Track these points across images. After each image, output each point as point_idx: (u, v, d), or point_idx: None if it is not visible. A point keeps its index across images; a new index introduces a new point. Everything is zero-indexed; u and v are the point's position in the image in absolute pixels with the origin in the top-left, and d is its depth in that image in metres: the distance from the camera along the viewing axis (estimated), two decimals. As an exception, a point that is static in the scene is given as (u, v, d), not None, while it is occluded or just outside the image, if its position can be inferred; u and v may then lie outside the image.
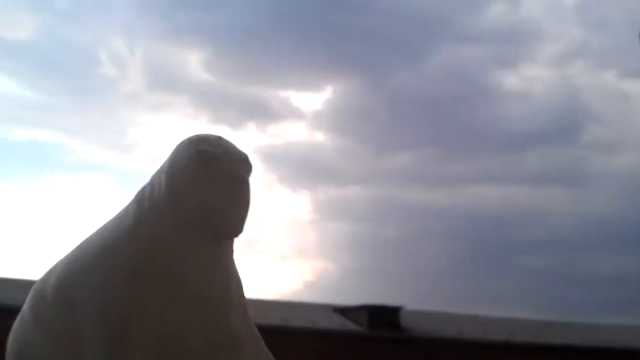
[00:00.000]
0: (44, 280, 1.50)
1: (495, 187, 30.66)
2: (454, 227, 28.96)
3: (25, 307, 1.50)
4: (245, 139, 29.24)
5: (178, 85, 29.44)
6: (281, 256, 29.41)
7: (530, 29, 30.91)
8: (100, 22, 28.42)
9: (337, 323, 14.42)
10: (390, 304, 14.89)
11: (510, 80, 31.96)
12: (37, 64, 28.24)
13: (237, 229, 1.47)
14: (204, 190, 1.43)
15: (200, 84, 28.75)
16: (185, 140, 1.52)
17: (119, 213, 1.51)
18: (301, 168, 30.50)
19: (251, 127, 31.85)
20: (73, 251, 1.51)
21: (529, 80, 31.41)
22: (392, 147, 31.21)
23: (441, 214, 28.98)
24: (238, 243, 1.62)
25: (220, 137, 1.53)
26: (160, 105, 28.95)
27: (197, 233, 1.44)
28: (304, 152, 29.65)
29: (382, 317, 14.40)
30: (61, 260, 1.50)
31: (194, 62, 29.89)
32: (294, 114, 30.37)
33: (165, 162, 1.50)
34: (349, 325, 14.43)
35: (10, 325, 1.50)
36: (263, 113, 30.10)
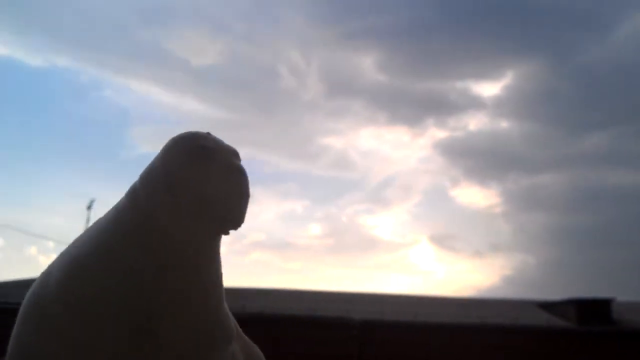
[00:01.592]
0: (47, 275, 1.48)
1: None
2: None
3: (26, 307, 1.47)
4: (424, 135, 28.87)
5: (354, 89, 29.98)
6: (476, 252, 28.61)
7: None
8: (276, 38, 29.81)
9: (543, 319, 13.67)
10: (600, 297, 13.86)
11: None
12: (223, 86, 30.23)
13: (239, 220, 1.49)
14: (206, 183, 1.45)
15: (375, 85, 29.05)
16: (177, 137, 1.53)
17: (110, 211, 1.53)
18: (487, 159, 29.54)
19: (429, 122, 31.53)
20: (74, 245, 1.50)
21: None
22: (584, 127, 29.16)
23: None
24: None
25: (209, 133, 1.57)
26: (339, 111, 29.62)
27: (198, 226, 1.46)
28: (488, 142, 28.68)
29: (592, 310, 13.43)
30: (62, 255, 1.50)
31: (367, 64, 30.27)
32: (474, 103, 29.55)
33: (155, 161, 1.51)
34: (556, 321, 13.62)
35: None
36: (441, 107, 29.65)
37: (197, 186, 1.45)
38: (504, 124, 30.11)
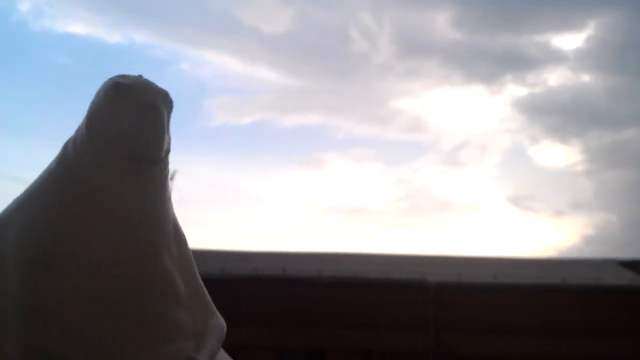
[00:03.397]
0: None
1: None
2: None
3: None
4: (502, 92, 28.22)
5: (427, 49, 29.33)
6: (556, 212, 27.91)
7: None
8: (346, 0, 29.44)
9: (626, 278, 13.27)
10: (687, 254, 13.30)
11: None
12: (294, 52, 30.25)
13: (151, 152, 1.50)
14: (117, 119, 1.48)
15: (449, 43, 28.28)
16: (108, 78, 1.55)
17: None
18: (568, 115, 28.44)
19: (507, 79, 30.57)
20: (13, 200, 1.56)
21: None
22: (675, 78, 27.59)
23: None
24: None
25: (141, 76, 1.58)
26: (412, 72, 29.18)
27: (116, 163, 1.48)
28: (569, 98, 27.58)
29: (679, 269, 12.92)
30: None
31: (440, 21, 29.49)
32: (554, 57, 28.34)
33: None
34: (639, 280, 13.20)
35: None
36: (519, 62, 28.61)
37: (108, 123, 1.49)
38: (587, 78, 28.87)
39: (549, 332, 12.27)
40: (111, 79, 1.53)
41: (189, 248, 1.61)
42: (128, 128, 1.48)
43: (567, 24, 30.45)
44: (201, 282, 1.60)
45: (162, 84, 1.54)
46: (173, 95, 1.54)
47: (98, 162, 1.49)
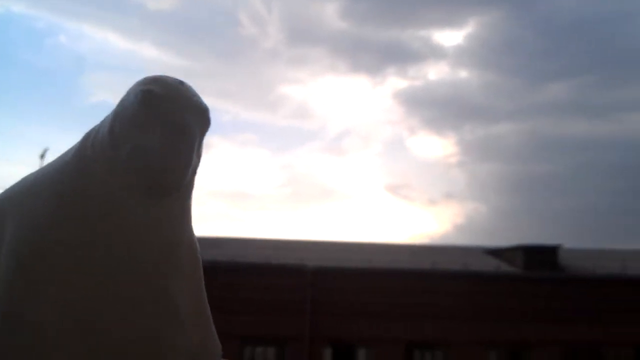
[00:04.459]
0: None
1: (660, 112, 28.06)
2: (616, 159, 27.12)
3: None
4: (384, 83, 28.92)
5: (315, 37, 29.57)
6: (430, 200, 29.15)
7: None
8: (237, -18, 29.02)
9: (491, 265, 14.09)
10: (546, 243, 14.32)
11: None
12: (181, 32, 29.51)
13: (166, 182, 1.31)
14: (141, 133, 1.29)
15: (336, 32, 28.69)
16: (142, 78, 1.40)
17: (67, 150, 1.43)
18: (445, 108, 29.70)
19: (391, 71, 31.41)
20: (14, 184, 1.44)
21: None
22: (544, 77, 29.45)
23: (602, 146, 27.21)
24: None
25: (181, 82, 1.39)
26: (299, 59, 29.29)
27: (132, 180, 1.31)
28: (447, 92, 28.80)
29: (539, 257, 13.90)
30: (3, 191, 1.45)
31: (329, 11, 29.82)
32: (435, 52, 29.47)
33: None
34: (503, 267, 14.06)
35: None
36: (402, 55, 29.51)
37: (134, 135, 1.30)
38: (464, 74, 30.25)
39: (419, 315, 12.85)
40: (145, 83, 1.34)
41: (200, 268, 1.47)
42: (150, 149, 1.28)
43: (449, 21, 31.73)
44: (206, 302, 1.47)
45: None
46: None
47: (113, 169, 1.32)
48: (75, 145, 1.42)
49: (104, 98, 28.13)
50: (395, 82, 29.81)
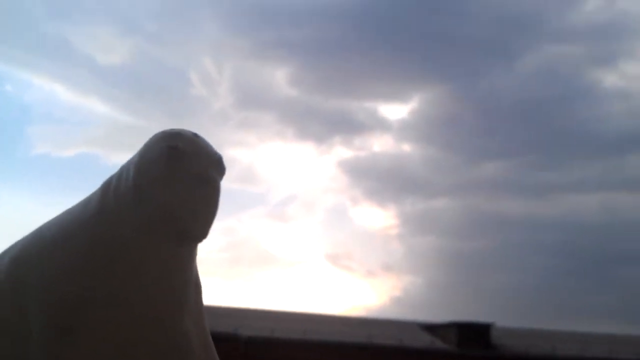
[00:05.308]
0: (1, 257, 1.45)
1: (593, 195, 29.17)
2: (550, 238, 27.87)
3: None
4: (330, 152, 29.37)
5: (264, 102, 29.90)
6: (368, 271, 29.21)
7: (629, 23, 29.47)
8: (190, 43, 29.28)
9: (425, 341, 14.10)
10: (480, 321, 14.46)
11: (608, 78, 30.45)
12: (130, 88, 29.42)
13: (201, 234, 1.40)
14: (170, 189, 1.35)
15: (286, 99, 29.10)
16: (160, 133, 1.44)
17: (83, 200, 1.45)
18: (388, 180, 30.20)
19: (337, 140, 31.87)
20: (32, 233, 1.45)
21: (629, 78, 29.81)
22: (482, 155, 30.40)
23: (536, 225, 27.94)
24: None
25: (196, 135, 1.46)
26: (248, 123, 29.52)
27: (160, 234, 1.37)
28: (390, 164, 29.33)
29: (472, 334, 13.99)
30: (19, 241, 1.45)
31: (280, 77, 30.32)
32: (381, 125, 30.14)
33: (136, 154, 1.42)
34: (438, 343, 14.09)
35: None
36: (349, 125, 30.05)
37: (162, 192, 1.35)
38: (407, 147, 30.95)
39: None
40: (167, 140, 1.39)
41: (202, 303, 1.56)
42: (180, 203, 1.35)
43: (395, 96, 32.67)
44: (209, 334, 1.56)
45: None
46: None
47: (140, 226, 1.36)
48: (94, 197, 1.42)
49: (46, 150, 27.58)
50: (340, 151, 30.32)
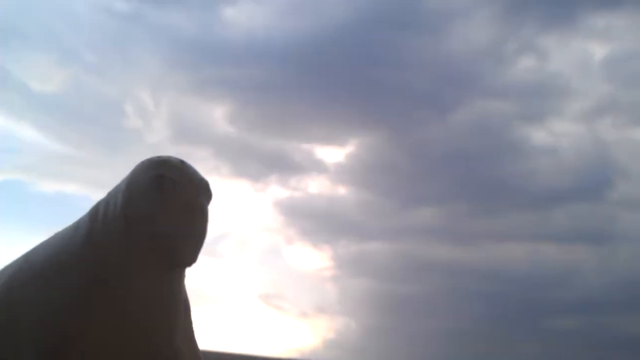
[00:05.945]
0: None
1: (522, 245, 29.78)
2: (479, 286, 28.26)
3: None
4: (266, 191, 29.32)
5: (201, 138, 29.67)
6: (302, 313, 28.94)
7: (558, 84, 30.71)
8: (127, 76, 28.97)
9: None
10: (412, 366, 14.39)
11: (538, 135, 31.38)
12: (64, 117, 28.80)
13: (190, 259, 1.43)
14: (160, 219, 1.35)
15: (223, 136, 28.95)
16: (146, 161, 1.42)
17: (71, 227, 1.43)
18: (322, 222, 30.19)
19: (272, 179, 31.82)
20: (18, 261, 1.43)
21: (557, 135, 30.82)
22: (415, 201, 30.81)
23: (465, 272, 28.30)
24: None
25: (182, 162, 1.47)
26: (183, 157, 29.24)
27: (150, 261, 1.37)
28: (325, 206, 29.36)
29: (404, 379, 13.88)
30: (5, 268, 1.44)
31: (217, 114, 30.18)
32: (317, 167, 30.27)
33: (123, 181, 1.41)
34: (369, 388, 13.89)
35: None
36: (285, 166, 30.08)
37: (151, 219, 1.34)
38: (342, 190, 31.14)
39: None
40: (155, 168, 1.38)
41: (191, 321, 1.61)
42: (170, 232, 1.34)
43: (331, 139, 32.92)
44: (199, 351, 1.60)
45: None
46: None
47: (130, 254, 1.35)
48: (83, 225, 1.39)
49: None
50: (276, 190, 30.25)
